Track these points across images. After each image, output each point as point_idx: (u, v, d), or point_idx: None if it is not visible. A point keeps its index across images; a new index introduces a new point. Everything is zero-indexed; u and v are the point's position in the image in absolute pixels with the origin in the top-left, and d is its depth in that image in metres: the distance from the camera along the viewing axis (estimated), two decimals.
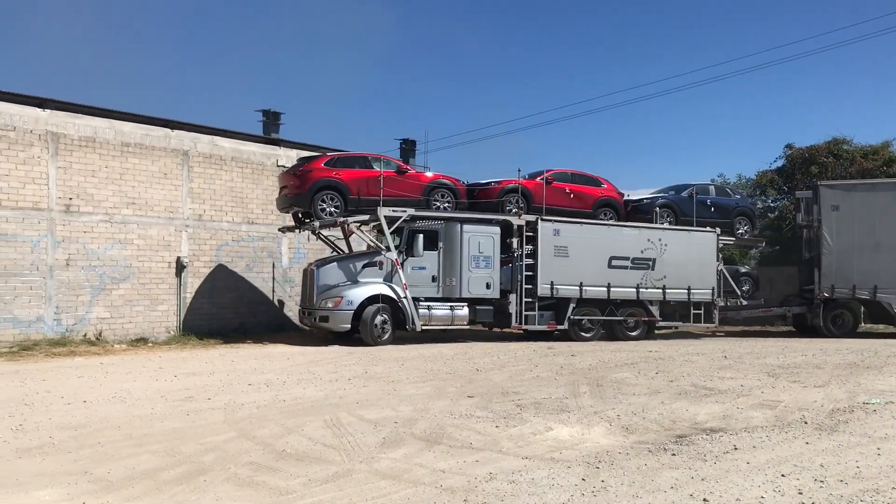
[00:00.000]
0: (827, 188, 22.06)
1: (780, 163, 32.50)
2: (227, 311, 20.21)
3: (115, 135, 18.48)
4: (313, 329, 18.92)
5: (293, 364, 13.90)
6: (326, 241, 20.62)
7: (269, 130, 25.61)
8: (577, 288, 19.42)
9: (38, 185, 17.13)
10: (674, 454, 6.85)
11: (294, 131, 43.06)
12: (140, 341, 17.48)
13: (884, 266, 21.21)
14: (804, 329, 22.87)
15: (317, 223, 18.26)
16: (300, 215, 19.42)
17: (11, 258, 16.66)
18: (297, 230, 20.12)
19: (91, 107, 18.31)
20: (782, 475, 6.18)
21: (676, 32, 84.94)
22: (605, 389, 10.71)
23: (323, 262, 18.66)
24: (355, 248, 20.46)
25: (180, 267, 19.40)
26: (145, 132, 19.01)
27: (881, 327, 23.10)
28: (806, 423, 8.35)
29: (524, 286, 19.06)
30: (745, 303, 22.69)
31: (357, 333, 17.59)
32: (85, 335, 17.44)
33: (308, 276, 18.59)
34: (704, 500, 5.53)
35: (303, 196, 18.10)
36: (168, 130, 19.53)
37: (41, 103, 17.38)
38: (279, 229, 20.67)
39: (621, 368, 13.26)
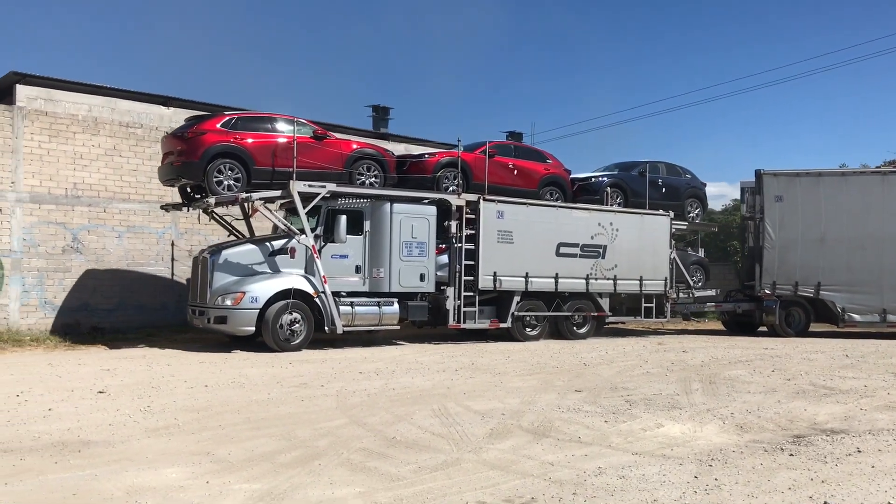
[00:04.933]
0: (770, 177, 20.28)
1: None
2: None
3: None
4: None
5: (402, 353, 14.14)
6: (221, 221, 16.97)
7: (378, 125, 26.10)
8: (523, 279, 17.10)
9: None
10: (791, 454, 6.61)
11: (402, 126, 43.87)
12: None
13: (828, 261, 19.66)
14: (741, 327, 21.08)
15: (211, 200, 14.62)
16: (189, 189, 16.09)
17: (139, 249, 17.63)
18: (184, 208, 16.35)
19: (210, 104, 19.10)
20: None
21: (798, 15, 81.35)
22: (718, 387, 10.43)
23: (218, 249, 15.12)
24: (258, 232, 17.25)
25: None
26: None
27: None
28: None
29: (463, 278, 16.51)
30: (697, 295, 20.89)
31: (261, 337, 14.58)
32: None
33: (200, 266, 15.13)
34: (825, 503, 5.31)
35: (194, 165, 14.56)
36: None
37: (165, 101, 18.31)
38: (161, 207, 17.24)
39: (735, 366, 12.88)
